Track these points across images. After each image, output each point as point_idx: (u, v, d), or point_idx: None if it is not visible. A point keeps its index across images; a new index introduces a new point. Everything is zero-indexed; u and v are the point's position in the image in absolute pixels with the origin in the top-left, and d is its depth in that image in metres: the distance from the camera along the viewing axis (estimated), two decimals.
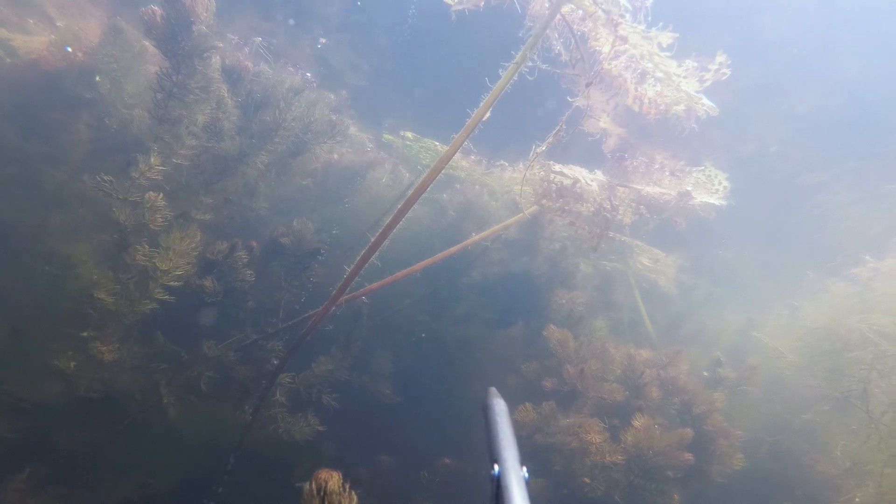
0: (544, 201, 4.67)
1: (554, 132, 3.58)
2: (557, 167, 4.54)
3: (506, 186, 6.58)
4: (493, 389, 2.42)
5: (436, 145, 6.09)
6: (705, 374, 6.57)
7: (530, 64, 3.03)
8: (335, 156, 7.32)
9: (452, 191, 8.32)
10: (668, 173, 5.03)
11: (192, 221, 4.69)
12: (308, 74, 5.27)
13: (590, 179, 4.65)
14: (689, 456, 5.32)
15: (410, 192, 3.83)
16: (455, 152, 3.37)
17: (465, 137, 3.29)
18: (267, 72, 5.05)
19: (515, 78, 3.20)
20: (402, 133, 6.67)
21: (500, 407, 2.23)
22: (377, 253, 3.95)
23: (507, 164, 6.28)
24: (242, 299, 5.39)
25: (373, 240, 3.86)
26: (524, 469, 1.78)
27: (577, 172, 4.64)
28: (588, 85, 3.53)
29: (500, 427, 2.07)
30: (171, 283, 4.31)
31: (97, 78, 5.69)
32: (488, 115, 3.17)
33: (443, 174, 8.59)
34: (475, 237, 4.82)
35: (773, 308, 8.70)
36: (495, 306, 7.60)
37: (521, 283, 7.28)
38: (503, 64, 3.06)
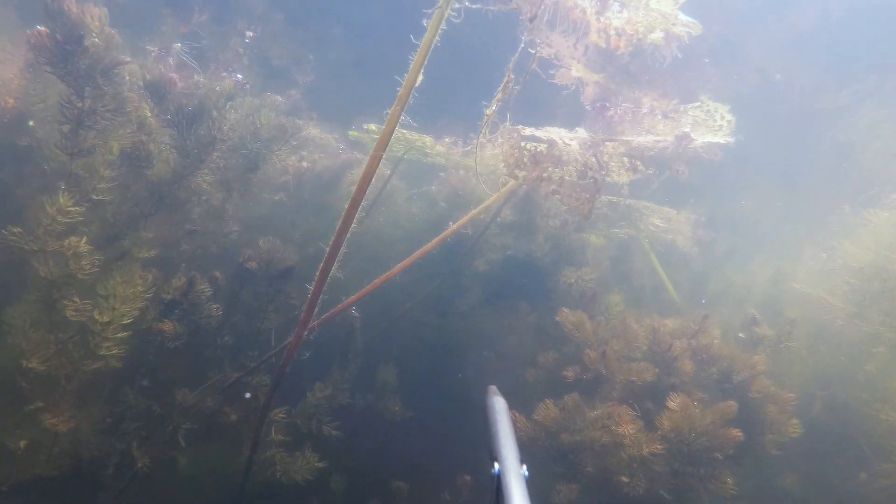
0: (518, 172, 4.07)
1: (501, 86, 3.00)
2: (528, 131, 3.94)
3: (490, 165, 5.99)
4: (493, 387, 2.51)
5: (403, 133, 5.52)
6: (741, 335, 5.93)
7: (457, 5, 2.45)
8: (305, 164, 6.77)
9: (439, 181, 7.74)
10: (659, 116, 4.40)
11: (135, 261, 4.17)
12: (239, 76, 4.73)
13: (568, 139, 4.04)
14: (736, 432, 4.71)
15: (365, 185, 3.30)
16: (392, 130, 2.80)
17: (401, 110, 2.72)
18: (201, 82, 4.51)
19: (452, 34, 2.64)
20: (366, 127, 6.08)
21: (499, 405, 2.27)
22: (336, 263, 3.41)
23: (484, 141, 5.67)
24: (215, 336, 4.88)
25: (328, 251, 3.32)
26: (524, 467, 1.79)
27: (553, 133, 4.04)
28: (532, 19, 2.95)
29: (500, 425, 2.10)
30: (118, 335, 3.80)
31: (30, 123, 5.21)
32: (421, 79, 2.59)
33: (426, 163, 8.02)
34: (452, 226, 4.25)
35: (805, 252, 8.00)
36: (502, 295, 7.02)
37: (525, 267, 6.69)
38: (425, 11, 2.48)
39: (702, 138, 4.30)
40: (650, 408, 5.08)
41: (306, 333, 3.89)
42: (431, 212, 7.69)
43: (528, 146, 3.99)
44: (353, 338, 5.51)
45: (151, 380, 4.63)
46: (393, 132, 2.80)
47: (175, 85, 4.24)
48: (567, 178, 4.17)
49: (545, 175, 3.99)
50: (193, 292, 4.48)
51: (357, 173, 7.50)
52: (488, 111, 3.18)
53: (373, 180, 3.19)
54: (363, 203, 7.43)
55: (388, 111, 2.71)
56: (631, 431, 4.67)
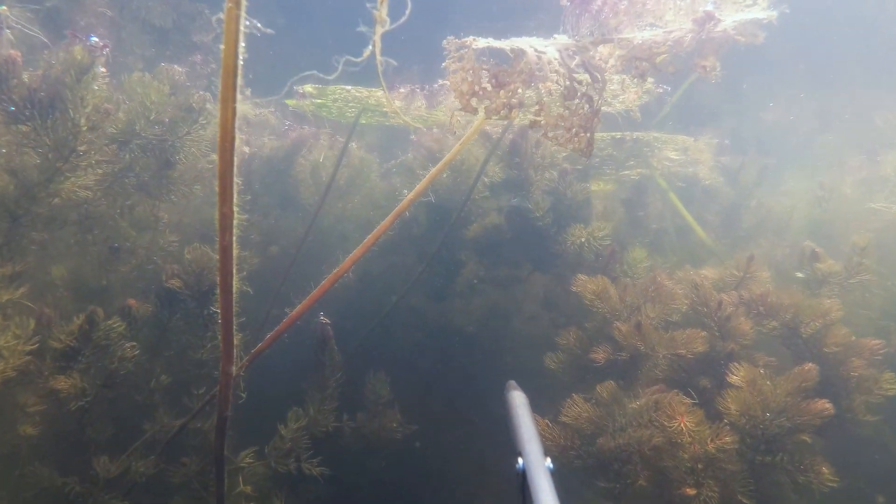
0: (476, 102, 2.92)
1: None
2: (481, 43, 2.80)
3: (464, 116, 4.86)
4: (512, 382, 2.43)
5: (347, 90, 4.40)
6: (799, 275, 4.83)
7: None
8: (246, 149, 5.65)
9: (412, 146, 6.63)
10: None
11: None
12: (94, 39, 3.63)
13: (542, 46, 2.90)
14: (823, 404, 3.64)
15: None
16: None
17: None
18: (58, 56, 3.39)
19: None
20: (301, 90, 4.93)
21: (519, 399, 2.24)
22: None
23: (445, 82, 4.53)
24: (145, 380, 3.84)
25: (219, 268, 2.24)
26: (548, 460, 1.73)
27: (519, 43, 2.89)
28: None
29: (522, 419, 2.07)
30: None
31: None
32: None
33: (393, 128, 6.86)
34: (409, 196, 3.15)
35: (850, 162, 6.83)
36: (501, 266, 5.95)
37: (523, 230, 5.58)
38: None
39: (731, 17, 3.12)
40: (707, 386, 4.03)
41: (236, 372, 2.85)
42: (410, 184, 6.59)
43: (484, 65, 2.86)
44: (325, 350, 4.45)
45: (70, 450, 3.61)
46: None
47: (16, 65, 3.13)
48: (549, 100, 3.03)
49: (514, 101, 2.85)
50: (97, 332, 3.42)
51: (316, 154, 6.39)
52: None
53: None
54: (334, 188, 6.37)
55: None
56: (689, 424, 3.60)
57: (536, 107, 2.95)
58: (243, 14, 1.91)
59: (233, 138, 2.05)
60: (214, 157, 5.21)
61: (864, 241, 4.66)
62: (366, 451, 5.05)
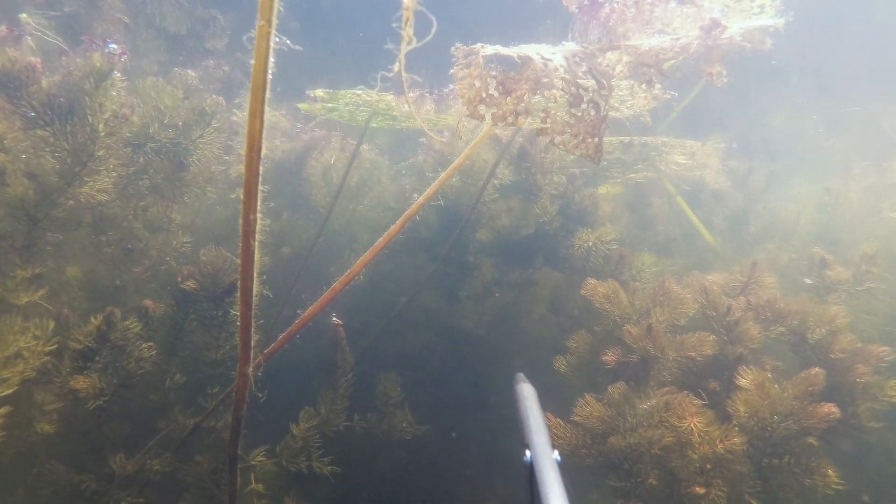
0: (483, 108, 2.97)
1: None
2: (489, 49, 2.84)
3: (473, 119, 4.90)
4: (520, 374, 2.44)
5: (358, 95, 4.45)
6: (808, 281, 4.86)
7: None
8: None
9: (422, 148, 6.67)
10: (673, 4, 3.26)
11: (9, 308, 3.16)
12: (113, 46, 3.68)
13: (549, 53, 2.94)
14: (829, 408, 3.68)
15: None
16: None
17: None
18: (77, 63, 3.45)
19: None
20: (312, 94, 4.98)
21: (527, 391, 2.25)
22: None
23: (454, 87, 4.55)
24: (161, 379, 3.89)
25: (240, 269, 2.30)
26: (556, 452, 1.74)
27: (526, 50, 2.93)
28: None
29: (529, 411, 2.08)
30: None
31: None
32: None
33: (403, 131, 6.91)
34: (419, 200, 3.20)
35: (855, 168, 6.85)
36: (512, 268, 5.99)
37: (533, 234, 5.63)
38: None
39: (738, 24, 3.16)
40: (716, 389, 4.07)
41: (252, 371, 2.90)
42: (422, 186, 6.63)
43: (491, 72, 2.90)
44: (336, 350, 4.50)
45: (86, 448, 3.66)
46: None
47: (36, 71, 3.18)
48: (554, 107, 3.08)
49: (521, 108, 2.89)
50: (115, 333, 3.47)
51: (327, 156, 6.45)
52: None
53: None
54: (345, 190, 6.42)
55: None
56: (699, 424, 3.65)
57: (543, 113, 2.99)
58: (273, 31, 1.97)
59: (260, 149, 2.12)
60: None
61: (872, 250, 4.69)
62: (375, 450, 5.11)
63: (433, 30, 2.26)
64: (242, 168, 2.16)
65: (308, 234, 6.26)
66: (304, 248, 5.67)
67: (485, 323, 6.03)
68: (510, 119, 3.24)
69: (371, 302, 6.46)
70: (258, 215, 2.18)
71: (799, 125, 8.52)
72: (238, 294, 2.50)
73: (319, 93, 4.86)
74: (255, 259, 2.33)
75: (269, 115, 5.77)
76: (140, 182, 4.53)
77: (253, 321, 2.65)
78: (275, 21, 1.99)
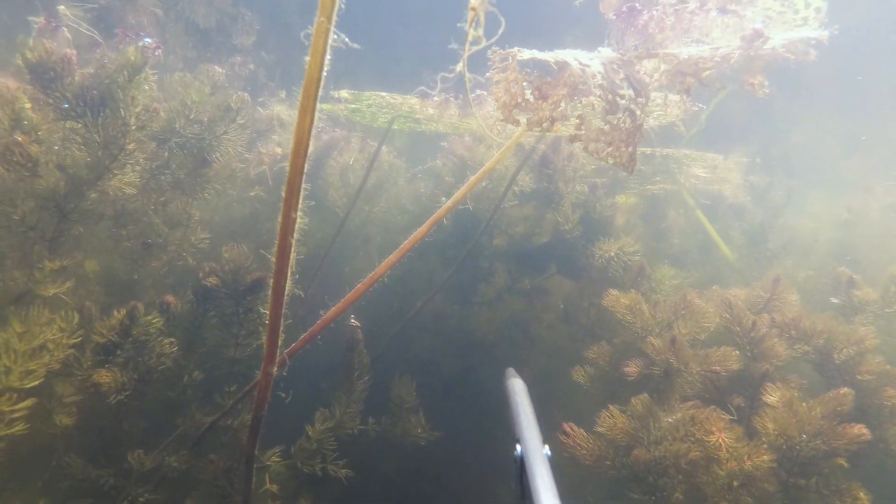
0: (518, 114, 2.92)
1: None
2: (526, 54, 2.80)
3: (493, 125, 4.86)
4: (511, 370, 2.43)
5: (382, 97, 4.40)
6: (834, 300, 4.81)
7: None
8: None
9: (441, 152, 6.63)
10: (714, 12, 3.21)
11: (34, 299, 3.12)
12: (147, 40, 3.65)
13: (586, 60, 2.90)
14: (860, 429, 3.62)
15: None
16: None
17: None
18: (111, 56, 3.41)
19: None
20: (336, 95, 4.94)
21: (518, 386, 2.24)
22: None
23: (484, 93, 4.51)
24: (180, 375, 3.84)
25: (274, 264, 2.26)
26: (546, 447, 1.75)
27: (563, 55, 2.89)
28: None
29: (520, 406, 2.06)
30: (23, 404, 2.74)
31: None
32: None
33: (424, 134, 6.86)
34: (447, 203, 3.16)
35: (877, 188, 6.80)
36: (528, 276, 5.95)
37: (550, 242, 5.59)
38: None
39: (780, 35, 3.11)
40: (741, 405, 4.01)
41: (276, 370, 2.85)
42: (438, 189, 6.60)
43: (528, 76, 2.86)
44: (353, 353, 4.45)
45: (104, 443, 3.61)
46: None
47: (71, 63, 3.15)
48: (590, 114, 3.04)
49: (557, 114, 2.85)
50: (137, 327, 3.42)
51: (346, 156, 6.41)
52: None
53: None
54: (363, 192, 6.38)
55: None
56: (727, 440, 3.59)
57: (577, 120, 2.95)
58: (332, 28, 1.93)
59: (307, 146, 2.07)
60: (247, 157, 5.21)
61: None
62: (386, 453, 5.05)
63: (500, 30, 2.22)
64: (286, 166, 2.11)
65: (323, 234, 6.21)
66: (321, 249, 5.62)
67: (494, 329, 5.99)
68: (546, 125, 3.21)
69: (383, 305, 6.42)
70: (298, 214, 2.13)
71: (820, 141, 8.49)
72: (270, 292, 2.45)
73: (344, 94, 4.83)
74: (292, 258, 2.28)
75: (291, 112, 5.74)
76: (162, 177, 4.49)
77: (282, 321, 2.61)
78: (335, 18, 1.96)
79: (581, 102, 3.23)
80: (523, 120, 3.32)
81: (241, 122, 4.18)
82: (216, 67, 4.22)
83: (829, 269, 5.50)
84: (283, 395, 3.09)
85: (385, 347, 5.78)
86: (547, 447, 1.76)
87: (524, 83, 3.15)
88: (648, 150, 5.86)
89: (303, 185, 2.20)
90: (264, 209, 5.77)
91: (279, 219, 2.25)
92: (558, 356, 5.44)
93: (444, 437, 5.10)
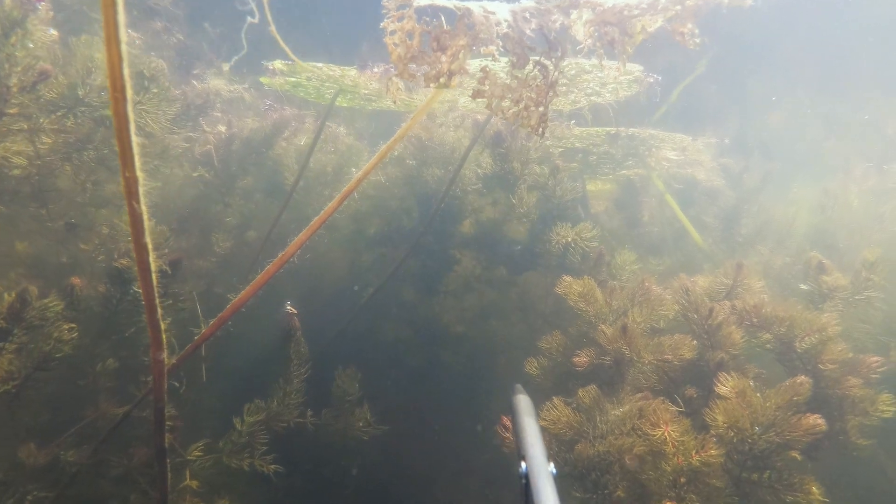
0: (412, 66, 2.62)
1: None
2: (423, 0, 2.50)
3: (449, 101, 4.58)
4: (518, 386, 2.51)
5: (319, 68, 4.11)
6: (804, 287, 4.53)
7: None
8: (222, 128, 5.37)
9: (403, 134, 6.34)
10: None
11: None
12: None
13: (491, 7, 2.60)
14: (815, 419, 3.36)
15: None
16: None
17: None
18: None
19: None
20: (270, 66, 4.63)
21: (524, 403, 2.27)
22: None
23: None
24: (89, 364, 3.57)
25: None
26: (551, 464, 1.76)
27: (468, 2, 2.59)
28: None
29: (526, 423, 2.08)
30: None
31: None
32: None
33: (383, 113, 6.59)
34: (358, 174, 2.86)
35: (855, 170, 6.52)
36: (491, 264, 5.69)
37: (508, 227, 5.32)
38: None
39: None
40: (693, 396, 3.75)
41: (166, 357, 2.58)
42: (400, 173, 6.33)
43: (426, 26, 2.56)
44: (290, 341, 4.18)
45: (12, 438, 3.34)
46: None
47: None
48: (493, 67, 2.75)
49: (455, 66, 2.55)
50: (31, 311, 3.14)
51: (300, 138, 6.13)
52: None
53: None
54: (322, 176, 6.08)
55: None
56: (674, 433, 3.32)
57: (481, 74, 2.65)
58: None
59: (124, 87, 1.74)
60: (192, 136, 4.86)
61: (873, 256, 4.37)
62: (337, 449, 4.80)
63: None
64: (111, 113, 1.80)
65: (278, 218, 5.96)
66: (271, 232, 5.36)
67: (461, 319, 5.74)
68: (443, 80, 2.89)
69: (349, 292, 6.17)
70: (139, 173, 1.83)
71: (797, 123, 8.18)
72: (136, 269, 2.17)
73: (278, 64, 4.52)
74: (146, 227, 1.99)
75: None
76: (84, 153, 4.21)
77: (158, 301, 2.33)
78: None
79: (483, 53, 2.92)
80: (416, 69, 3.01)
81: (156, 91, 3.87)
82: (130, 31, 3.93)
83: (805, 255, 5.23)
84: (177, 384, 2.81)
85: (338, 335, 5.55)
86: (552, 464, 1.77)
87: (422, 33, 2.85)
88: (613, 130, 5.58)
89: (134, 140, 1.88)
90: (209, 190, 5.49)
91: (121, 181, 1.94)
92: (514, 348, 5.19)
93: (406, 430, 4.88)
